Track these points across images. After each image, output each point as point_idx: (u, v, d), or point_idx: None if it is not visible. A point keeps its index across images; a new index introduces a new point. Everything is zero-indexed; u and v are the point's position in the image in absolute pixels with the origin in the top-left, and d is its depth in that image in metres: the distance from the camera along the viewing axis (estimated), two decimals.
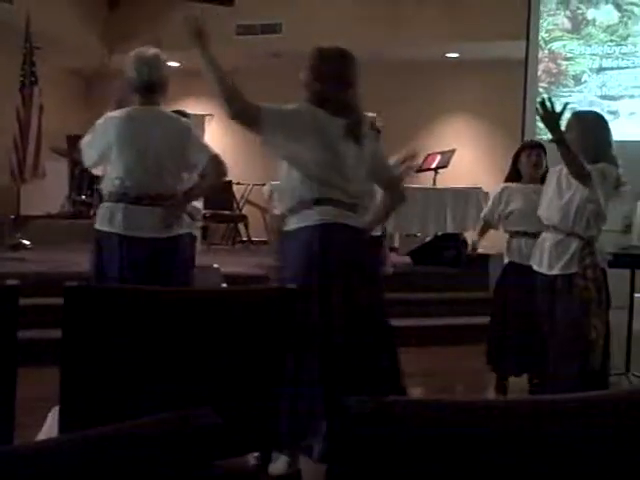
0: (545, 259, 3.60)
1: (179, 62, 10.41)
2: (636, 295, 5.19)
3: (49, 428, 2.01)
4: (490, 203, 4.58)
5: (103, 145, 3.40)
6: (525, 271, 3.85)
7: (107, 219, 3.38)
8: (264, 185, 7.86)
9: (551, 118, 3.27)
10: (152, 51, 3.51)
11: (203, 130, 9.09)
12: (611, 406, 0.98)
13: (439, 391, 4.83)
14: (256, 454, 1.96)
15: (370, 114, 5.22)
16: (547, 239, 3.62)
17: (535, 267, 3.68)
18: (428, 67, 9.43)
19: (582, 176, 3.37)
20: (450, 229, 7.38)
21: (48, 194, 8.93)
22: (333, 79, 2.95)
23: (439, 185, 8.04)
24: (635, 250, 5.34)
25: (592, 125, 3.58)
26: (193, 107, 9.85)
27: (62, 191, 9.28)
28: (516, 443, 0.91)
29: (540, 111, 3.28)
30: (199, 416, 0.84)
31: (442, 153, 8.54)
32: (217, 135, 10.49)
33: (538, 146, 4.45)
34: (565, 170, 3.50)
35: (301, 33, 8.93)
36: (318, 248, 2.81)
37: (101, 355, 1.76)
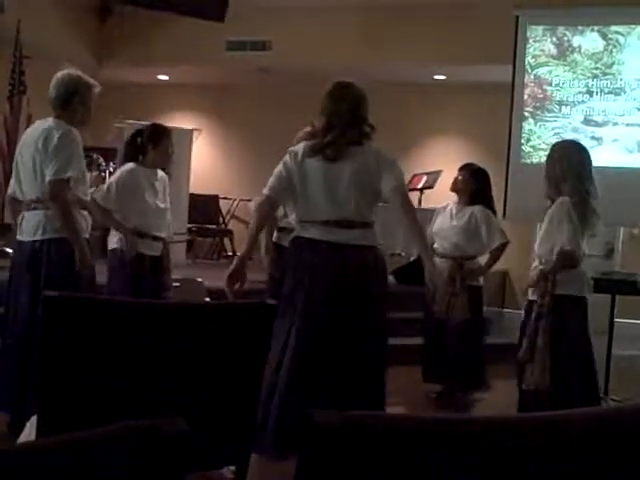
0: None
1: (168, 76, 10.42)
2: (616, 320, 5.22)
3: (27, 436, 2.00)
4: None
5: None
6: None
7: None
8: (250, 200, 7.86)
9: None
10: (62, 72, 3.89)
11: (190, 144, 9.06)
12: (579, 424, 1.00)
13: (421, 409, 4.87)
14: (232, 467, 1.96)
15: None
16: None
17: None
18: (416, 88, 9.50)
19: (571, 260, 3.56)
20: None
21: None
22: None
23: (424, 206, 8.07)
24: (616, 275, 5.38)
25: (562, 155, 3.67)
26: (181, 121, 9.84)
27: None
28: (485, 458, 0.93)
29: None
30: (170, 425, 0.84)
31: (428, 174, 8.59)
32: (204, 150, 10.49)
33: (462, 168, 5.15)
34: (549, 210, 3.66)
35: (290, 50, 8.98)
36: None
37: (79, 364, 1.76)
